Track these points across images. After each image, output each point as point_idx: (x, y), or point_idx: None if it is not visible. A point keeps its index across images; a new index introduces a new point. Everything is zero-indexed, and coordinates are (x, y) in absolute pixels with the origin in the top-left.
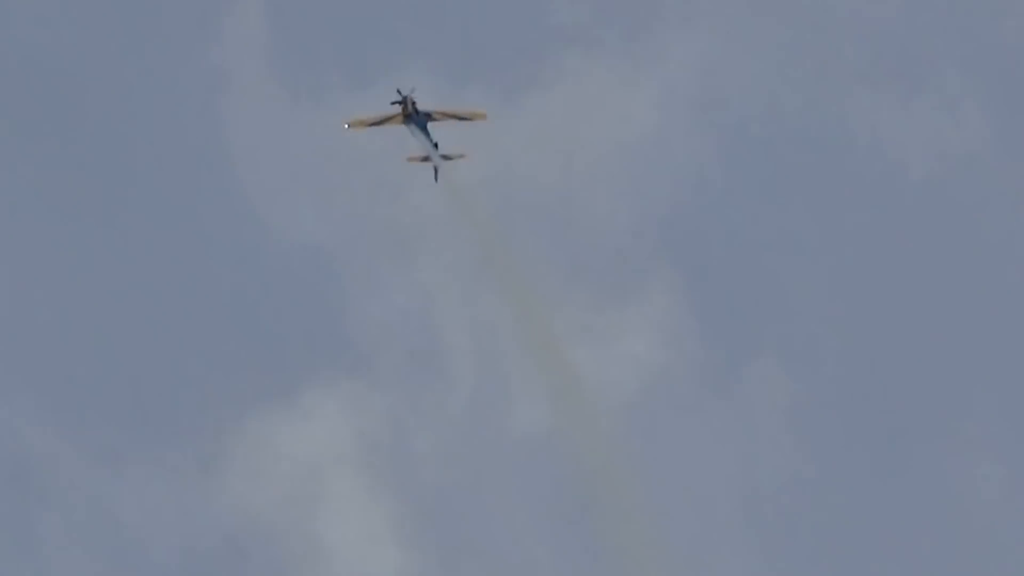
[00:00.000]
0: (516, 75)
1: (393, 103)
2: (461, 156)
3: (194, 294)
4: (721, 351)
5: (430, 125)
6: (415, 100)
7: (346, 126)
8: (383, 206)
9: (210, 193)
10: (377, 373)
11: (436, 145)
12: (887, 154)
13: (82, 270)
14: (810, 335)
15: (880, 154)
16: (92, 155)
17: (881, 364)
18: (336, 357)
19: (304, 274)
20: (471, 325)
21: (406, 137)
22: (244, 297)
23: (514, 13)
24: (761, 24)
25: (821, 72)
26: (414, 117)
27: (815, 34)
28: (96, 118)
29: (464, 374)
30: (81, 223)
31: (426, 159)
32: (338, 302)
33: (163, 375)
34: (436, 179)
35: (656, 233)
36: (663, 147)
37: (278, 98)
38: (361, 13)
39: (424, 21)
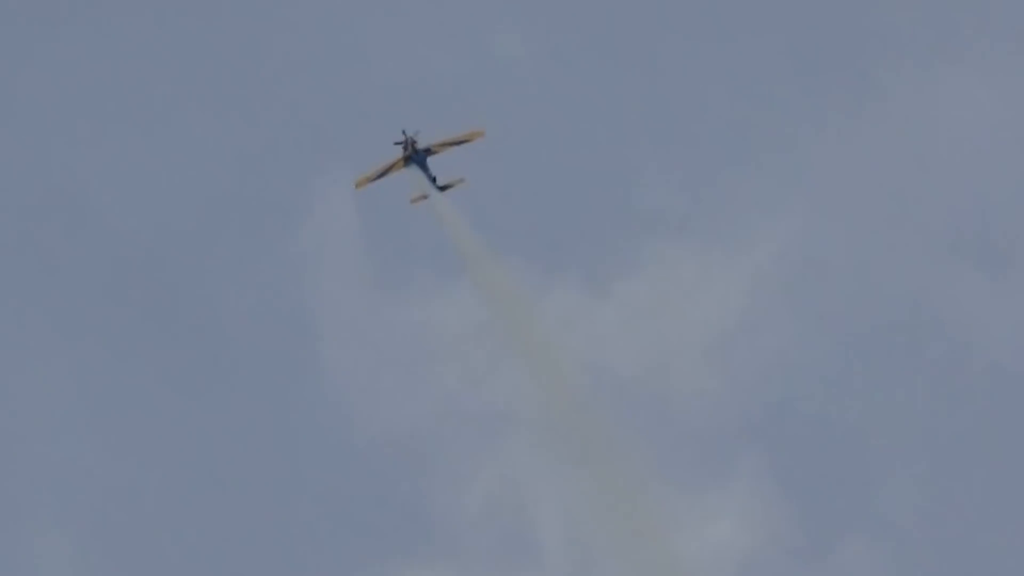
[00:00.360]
0: (606, 261)
1: (397, 143)
2: (460, 180)
3: (281, 481)
4: (813, 532)
5: (429, 159)
6: (415, 140)
7: (355, 187)
8: (471, 390)
9: (296, 378)
10: (467, 559)
11: (435, 179)
12: (983, 334)
13: (167, 456)
14: (901, 515)
15: (976, 334)
16: (177, 340)
17: (974, 542)
18: (425, 543)
19: (392, 460)
20: (560, 510)
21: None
22: (332, 484)
23: (602, 199)
24: (849, 206)
25: (912, 254)
26: (414, 157)
27: (905, 216)
28: (182, 302)
29: (554, 560)
30: (169, 408)
31: (425, 197)
32: (426, 488)
33: (250, 562)
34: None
35: (746, 415)
36: (752, 329)
37: (366, 285)
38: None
39: (512, 209)
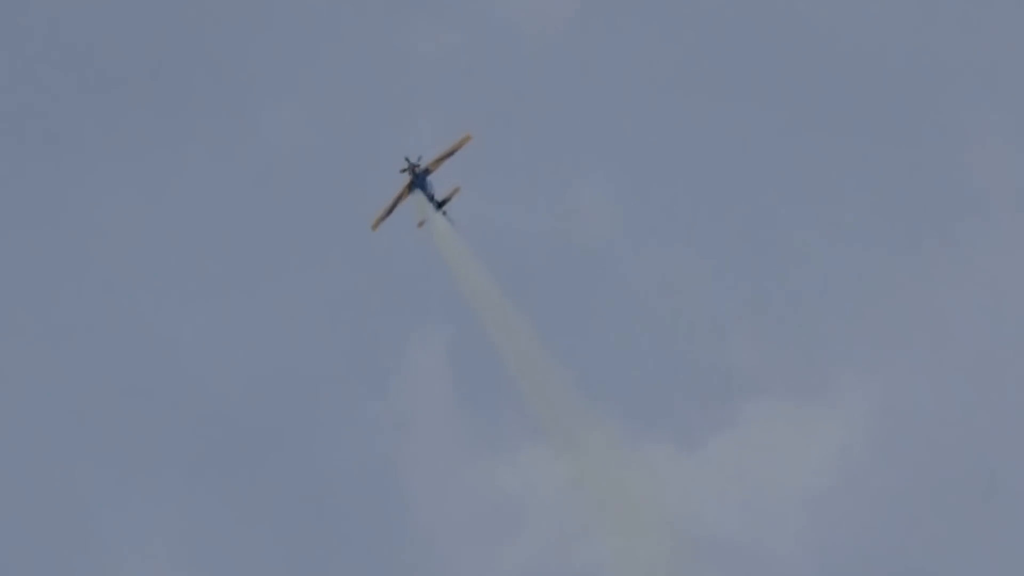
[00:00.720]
0: (698, 419)
1: (402, 171)
2: (456, 190)
3: None
4: None
5: (428, 178)
6: (417, 164)
7: (372, 230)
8: (563, 550)
9: (386, 539)
10: None
11: (432, 197)
12: None
13: None
14: None
15: None
16: (268, 499)
17: None
18: None
19: None
20: None
21: None
22: None
23: (693, 359)
24: (941, 361)
25: (1005, 408)
26: (416, 181)
27: (997, 370)
28: (274, 461)
29: None
30: (263, 568)
31: (425, 220)
32: None
33: None
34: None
35: (841, 572)
36: (847, 485)
37: (456, 444)
38: None
39: (603, 369)
